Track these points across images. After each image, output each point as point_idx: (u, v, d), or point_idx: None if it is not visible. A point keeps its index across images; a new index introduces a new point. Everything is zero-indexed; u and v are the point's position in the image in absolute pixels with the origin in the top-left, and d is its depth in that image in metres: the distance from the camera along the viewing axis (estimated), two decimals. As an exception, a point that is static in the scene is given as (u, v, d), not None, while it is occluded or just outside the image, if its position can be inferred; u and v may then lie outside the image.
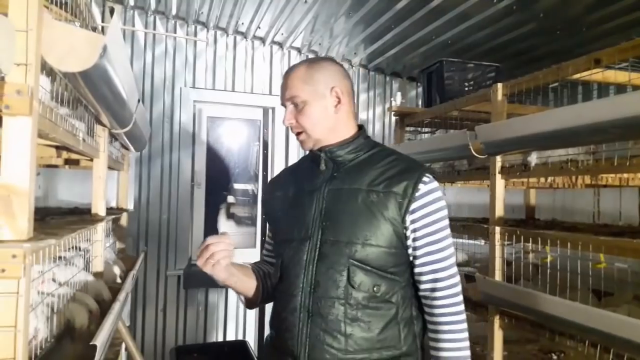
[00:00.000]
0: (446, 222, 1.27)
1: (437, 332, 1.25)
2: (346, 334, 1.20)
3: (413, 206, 1.23)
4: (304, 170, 1.41)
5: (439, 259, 1.25)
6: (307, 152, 1.42)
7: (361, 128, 1.38)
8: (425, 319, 1.30)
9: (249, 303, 1.42)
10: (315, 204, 1.28)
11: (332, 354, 1.19)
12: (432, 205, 1.25)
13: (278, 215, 1.39)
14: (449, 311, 1.24)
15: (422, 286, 1.27)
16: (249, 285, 1.36)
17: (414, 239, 1.25)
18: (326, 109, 1.31)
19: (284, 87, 1.33)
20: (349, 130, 1.35)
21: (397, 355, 1.23)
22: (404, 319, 1.26)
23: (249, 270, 1.38)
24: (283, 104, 1.35)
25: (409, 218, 1.23)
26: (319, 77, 1.30)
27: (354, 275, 1.21)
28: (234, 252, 1.21)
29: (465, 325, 1.26)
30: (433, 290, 1.25)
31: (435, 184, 1.28)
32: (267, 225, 1.51)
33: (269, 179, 4.01)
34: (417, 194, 1.23)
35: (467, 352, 1.25)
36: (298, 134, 1.34)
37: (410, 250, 1.26)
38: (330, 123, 1.32)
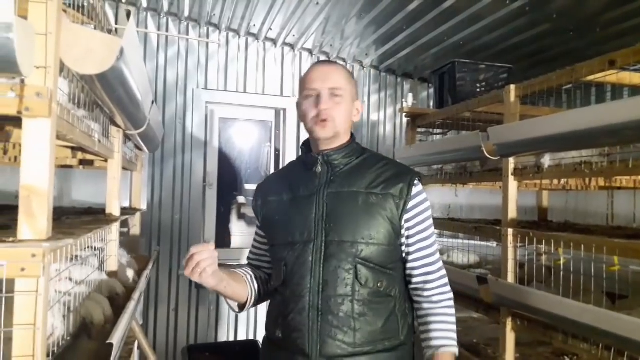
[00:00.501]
0: (432, 220, 1.41)
1: (429, 323, 1.36)
2: (355, 328, 1.27)
3: (408, 206, 1.34)
4: (297, 175, 1.44)
5: (429, 254, 1.38)
6: (300, 156, 1.49)
7: (352, 135, 1.47)
8: (415, 309, 1.41)
9: (239, 307, 1.44)
10: (316, 207, 1.33)
11: (343, 349, 1.26)
12: (422, 205, 1.37)
13: (275, 219, 1.41)
14: (440, 299, 1.37)
15: (415, 279, 1.39)
16: (239, 289, 1.38)
17: (408, 237, 1.36)
18: (350, 112, 1.41)
19: (328, 74, 1.37)
20: (347, 138, 1.43)
21: (396, 345, 1.32)
22: (401, 311, 1.36)
23: (237, 274, 1.41)
24: (315, 88, 1.35)
25: (404, 217, 1.34)
26: (353, 85, 1.42)
27: (360, 273, 1.29)
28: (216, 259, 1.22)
29: (454, 311, 1.38)
30: (425, 282, 1.38)
31: (422, 186, 1.41)
32: (258, 230, 1.52)
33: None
34: (411, 195, 1.34)
35: (455, 335, 1.36)
36: (324, 120, 1.35)
37: (403, 247, 1.37)
38: (347, 125, 1.41)
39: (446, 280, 1.40)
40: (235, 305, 1.42)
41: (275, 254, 1.40)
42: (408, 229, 1.35)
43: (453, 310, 1.38)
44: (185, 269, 1.19)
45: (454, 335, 1.36)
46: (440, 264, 1.40)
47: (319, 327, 1.26)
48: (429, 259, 1.38)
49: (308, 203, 1.35)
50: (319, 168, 1.37)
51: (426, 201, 1.38)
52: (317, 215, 1.32)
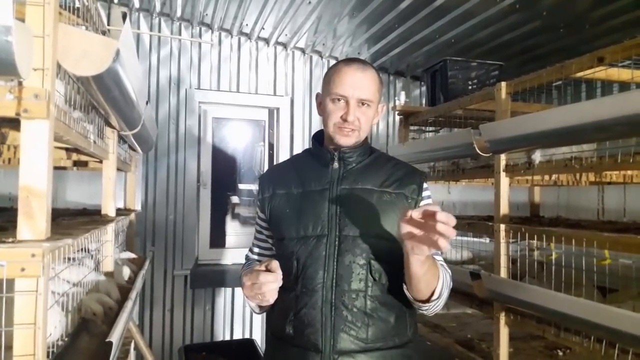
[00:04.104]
0: None
1: None
2: (368, 324, 1.28)
3: (419, 205, 1.36)
4: (306, 169, 1.44)
5: (434, 253, 1.36)
6: (310, 149, 1.50)
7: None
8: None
9: (263, 309, 1.42)
10: (329, 202, 1.34)
11: (356, 344, 1.26)
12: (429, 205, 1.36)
13: (285, 212, 1.39)
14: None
15: None
16: None
17: None
18: (373, 118, 1.41)
19: (360, 83, 1.34)
20: (363, 138, 1.44)
21: (404, 342, 1.34)
22: (409, 308, 1.36)
23: None
24: (344, 95, 1.33)
25: None
26: (381, 91, 1.42)
27: (373, 268, 1.30)
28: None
29: (450, 284, 1.35)
30: None
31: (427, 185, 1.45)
32: (262, 223, 1.48)
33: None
34: (422, 195, 1.38)
35: (443, 287, 1.29)
36: (351, 130, 1.35)
37: None
38: (369, 130, 1.43)
39: (449, 272, 1.38)
40: (256, 306, 1.40)
41: (284, 248, 1.36)
42: None
43: (450, 282, 1.35)
44: (247, 291, 1.25)
45: (443, 285, 1.29)
46: (442, 259, 1.40)
47: (332, 322, 1.26)
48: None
49: (321, 197, 1.35)
50: (336, 164, 1.39)
51: (430, 197, 1.42)
52: (331, 210, 1.32)
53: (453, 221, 1.01)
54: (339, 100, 1.34)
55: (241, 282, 1.31)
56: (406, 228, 1.07)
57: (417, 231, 1.06)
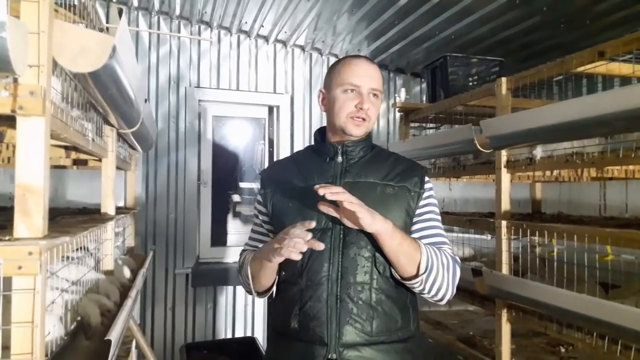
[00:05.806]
0: (437, 209, 1.45)
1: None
2: (373, 317, 1.28)
3: (422, 197, 1.39)
4: (309, 163, 1.45)
5: (439, 242, 1.38)
6: (312, 145, 1.52)
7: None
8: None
9: (259, 293, 1.42)
10: None
11: (361, 337, 1.26)
12: (431, 198, 1.43)
13: (288, 207, 1.39)
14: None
15: None
16: (273, 274, 1.36)
17: (416, 222, 1.39)
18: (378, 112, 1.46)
19: (372, 74, 1.39)
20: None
21: (407, 337, 1.34)
22: (412, 303, 1.38)
23: None
24: (358, 85, 1.37)
25: (418, 207, 1.39)
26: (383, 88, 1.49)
27: (378, 260, 1.30)
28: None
29: (455, 268, 1.33)
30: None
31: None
32: (263, 218, 1.48)
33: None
34: (425, 187, 1.40)
35: (428, 262, 1.26)
36: (363, 119, 1.38)
37: (413, 235, 1.37)
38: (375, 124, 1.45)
39: (458, 260, 1.36)
40: (254, 291, 1.41)
41: None
42: (419, 215, 1.39)
43: (454, 267, 1.33)
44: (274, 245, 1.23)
45: (430, 259, 1.27)
46: (448, 247, 1.38)
47: (338, 314, 1.26)
48: (435, 238, 1.37)
49: None
50: (340, 158, 1.40)
51: (432, 190, 1.43)
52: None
53: (334, 188, 1.17)
54: (351, 90, 1.37)
55: (240, 262, 1.40)
56: (341, 217, 1.22)
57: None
